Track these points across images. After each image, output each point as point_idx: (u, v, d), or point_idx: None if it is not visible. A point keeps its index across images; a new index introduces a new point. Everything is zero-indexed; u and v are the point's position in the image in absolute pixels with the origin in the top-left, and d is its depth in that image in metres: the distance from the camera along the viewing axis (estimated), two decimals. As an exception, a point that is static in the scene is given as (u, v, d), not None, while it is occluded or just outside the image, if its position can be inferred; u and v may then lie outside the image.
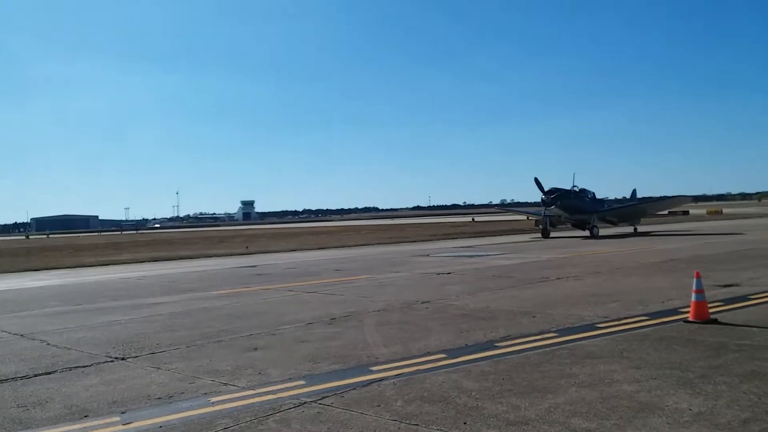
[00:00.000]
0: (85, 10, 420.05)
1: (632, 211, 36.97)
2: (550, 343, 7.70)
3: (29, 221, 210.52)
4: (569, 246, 26.99)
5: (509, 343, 7.83)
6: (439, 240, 37.20)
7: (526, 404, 5.41)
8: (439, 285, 14.49)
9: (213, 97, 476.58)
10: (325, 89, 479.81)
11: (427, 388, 6.01)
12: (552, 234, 35.10)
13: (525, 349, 7.46)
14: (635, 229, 35.82)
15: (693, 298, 8.73)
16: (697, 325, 8.40)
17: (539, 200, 35.26)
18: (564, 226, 37.04)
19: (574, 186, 34.59)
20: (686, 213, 46.57)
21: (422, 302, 11.67)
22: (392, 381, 6.32)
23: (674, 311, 9.49)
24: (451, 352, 7.44)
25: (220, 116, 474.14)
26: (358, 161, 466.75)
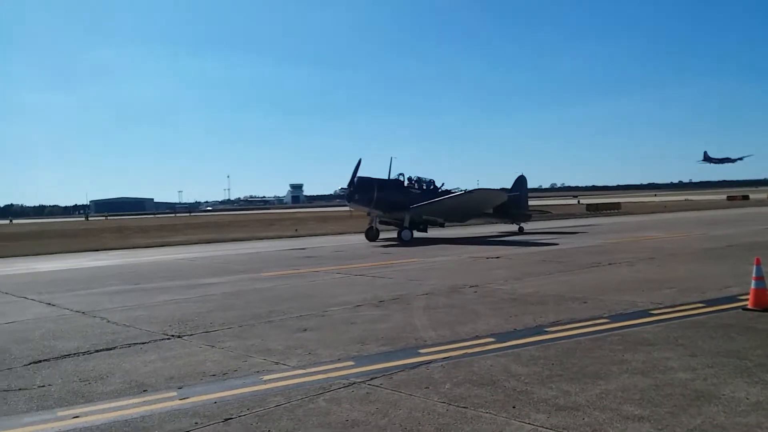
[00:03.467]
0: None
1: (451, 206, 26.04)
2: (602, 329, 7.58)
3: (88, 203, 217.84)
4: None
5: (559, 328, 7.74)
6: (485, 224, 36.38)
7: (577, 390, 5.35)
8: (487, 269, 14.40)
9: (263, 84, 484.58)
10: (368, 76, 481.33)
11: (475, 372, 6.00)
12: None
13: (575, 334, 7.37)
14: (520, 228, 29.27)
15: (752, 286, 8.45)
16: (756, 313, 8.13)
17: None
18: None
19: (399, 174, 26.41)
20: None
21: (470, 286, 11.62)
22: (440, 363, 6.34)
23: (732, 298, 9.21)
24: (500, 336, 7.40)
25: (270, 102, 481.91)
26: (403, 145, 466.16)
